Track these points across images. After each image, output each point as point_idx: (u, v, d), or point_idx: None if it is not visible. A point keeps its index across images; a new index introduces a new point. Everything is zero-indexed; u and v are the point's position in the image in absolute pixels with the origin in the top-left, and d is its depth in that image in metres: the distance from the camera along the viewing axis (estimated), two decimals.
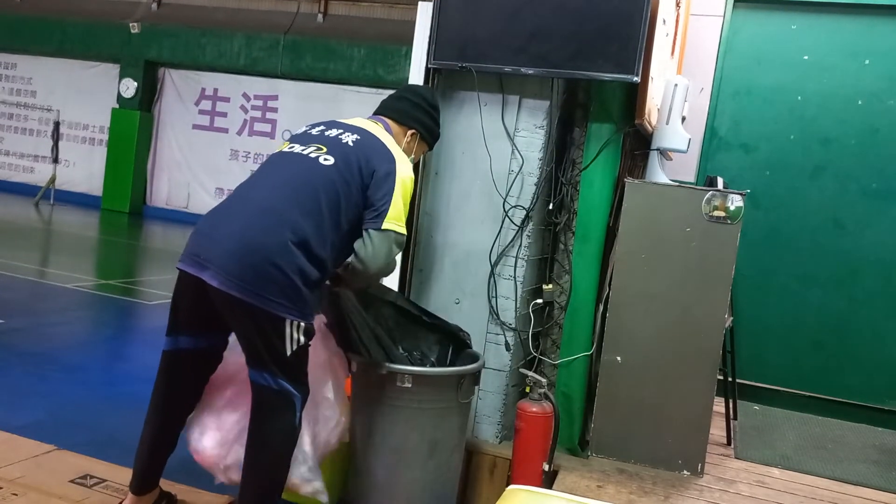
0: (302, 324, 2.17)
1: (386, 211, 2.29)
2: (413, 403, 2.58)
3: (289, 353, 2.17)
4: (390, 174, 2.33)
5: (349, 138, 2.39)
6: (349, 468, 2.77)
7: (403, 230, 2.35)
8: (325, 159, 2.30)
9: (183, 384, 2.41)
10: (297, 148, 2.38)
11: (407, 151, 2.59)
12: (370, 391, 2.61)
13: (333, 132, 2.43)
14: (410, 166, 2.45)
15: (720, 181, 3.42)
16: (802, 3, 4.46)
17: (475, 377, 2.73)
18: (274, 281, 2.10)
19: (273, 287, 2.10)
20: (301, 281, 2.14)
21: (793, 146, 4.50)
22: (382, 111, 2.68)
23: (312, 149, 2.35)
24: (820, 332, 4.47)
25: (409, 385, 2.53)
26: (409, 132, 2.64)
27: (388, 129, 2.58)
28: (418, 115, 2.67)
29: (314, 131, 2.47)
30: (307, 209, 2.19)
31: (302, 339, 2.19)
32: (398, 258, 2.72)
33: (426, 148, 2.77)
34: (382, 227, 2.28)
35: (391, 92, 2.80)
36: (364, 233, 2.30)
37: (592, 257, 3.18)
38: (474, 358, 2.80)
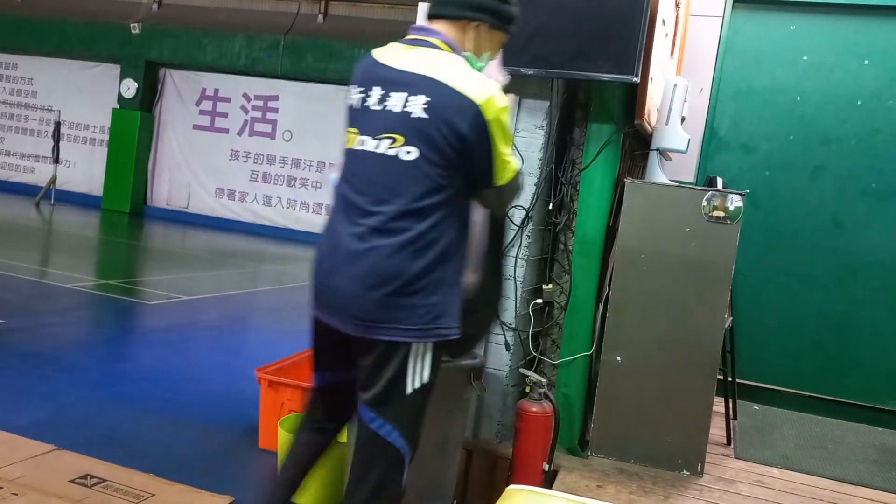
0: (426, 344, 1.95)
1: (490, 171, 1.96)
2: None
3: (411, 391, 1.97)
4: (482, 132, 1.91)
5: (418, 107, 1.91)
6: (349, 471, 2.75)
7: (512, 170, 1.99)
8: (407, 152, 1.92)
9: (342, 410, 2.26)
10: (369, 143, 1.97)
11: (476, 53, 2.08)
12: None
13: (397, 100, 1.94)
14: (494, 89, 1.93)
15: (720, 181, 3.42)
16: (802, 4, 4.46)
17: (481, 372, 2.73)
18: (398, 308, 1.92)
19: (397, 315, 1.92)
20: (425, 297, 1.93)
21: (792, 146, 4.51)
22: (432, 11, 2.09)
23: (387, 142, 1.94)
24: (820, 332, 4.47)
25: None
26: (472, 26, 2.05)
27: (446, 41, 2.01)
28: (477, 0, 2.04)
29: (374, 104, 1.99)
30: (408, 222, 1.92)
31: (428, 371, 1.97)
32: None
33: (500, 36, 2.13)
34: (494, 185, 2.00)
35: None
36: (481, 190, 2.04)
37: (592, 257, 3.18)
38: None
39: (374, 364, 1.95)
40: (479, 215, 2.20)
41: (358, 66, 2.10)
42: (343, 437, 2.86)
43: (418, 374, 1.96)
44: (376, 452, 1.99)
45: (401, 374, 1.94)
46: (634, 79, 2.88)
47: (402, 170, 1.92)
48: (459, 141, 1.90)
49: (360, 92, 2.03)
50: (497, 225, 2.26)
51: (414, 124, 1.91)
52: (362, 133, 2.00)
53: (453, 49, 2.01)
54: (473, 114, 1.89)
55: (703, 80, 4.50)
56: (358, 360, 2.00)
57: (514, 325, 3.12)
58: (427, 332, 1.93)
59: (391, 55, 2.03)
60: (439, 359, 2.01)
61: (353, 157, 2.03)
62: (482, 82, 1.93)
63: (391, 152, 1.93)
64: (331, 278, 1.99)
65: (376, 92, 1.99)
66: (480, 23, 2.05)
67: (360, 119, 2.02)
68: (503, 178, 1.98)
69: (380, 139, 1.95)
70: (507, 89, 2.23)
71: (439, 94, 1.91)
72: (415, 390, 1.96)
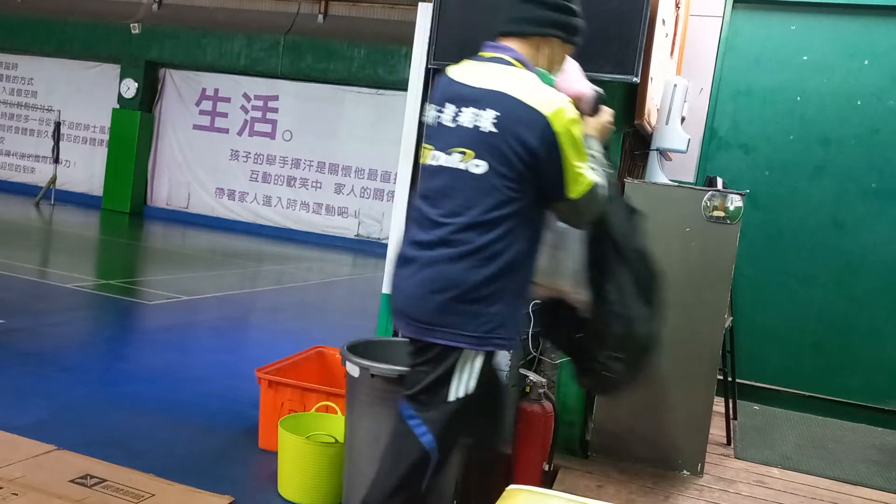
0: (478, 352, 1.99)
1: (561, 184, 1.96)
2: None
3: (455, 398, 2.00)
4: (550, 144, 1.92)
5: (488, 121, 1.95)
6: (348, 476, 2.75)
7: (587, 184, 1.97)
8: (476, 166, 1.97)
9: None
10: (442, 158, 2.04)
11: (549, 68, 2.12)
12: (377, 395, 2.58)
13: (468, 116, 1.99)
14: (564, 102, 1.95)
15: (720, 181, 3.42)
16: (802, 4, 4.46)
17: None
18: (457, 314, 1.97)
19: (455, 320, 1.97)
20: (490, 305, 1.97)
21: (792, 146, 4.51)
22: (504, 29, 2.10)
23: (458, 157, 2.00)
24: (820, 332, 4.47)
25: None
26: (544, 42, 2.08)
27: (518, 57, 2.04)
28: (550, 16, 2.06)
29: (448, 120, 2.05)
30: (475, 234, 1.96)
31: (474, 380, 1.99)
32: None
33: (570, 48, 2.16)
34: (567, 199, 1.99)
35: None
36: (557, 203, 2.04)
37: None
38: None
39: (423, 364, 2.02)
40: (579, 234, 2.19)
41: (435, 85, 2.18)
42: (342, 436, 2.87)
43: (464, 382, 1.99)
44: (406, 449, 2.04)
45: (446, 379, 1.98)
46: (634, 79, 2.88)
47: (473, 183, 1.97)
48: (529, 154, 1.93)
49: (436, 110, 2.11)
50: (638, 252, 2.26)
51: (484, 138, 1.96)
52: (436, 149, 2.07)
53: (525, 65, 2.04)
54: (542, 126, 1.91)
55: (703, 80, 4.50)
56: (412, 361, 2.08)
57: None
58: (482, 340, 1.97)
59: (464, 72, 2.08)
60: (488, 370, 2.04)
61: (426, 172, 2.12)
62: (551, 95, 1.96)
63: (462, 166, 1.99)
64: (399, 284, 2.09)
65: (450, 109, 2.05)
66: (553, 38, 2.08)
67: (435, 135, 2.10)
68: (576, 190, 1.97)
69: (451, 154, 2.02)
70: (602, 102, 2.24)
71: (508, 107, 1.95)
72: (457, 399, 1.99)
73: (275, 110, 13.53)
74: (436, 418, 2.01)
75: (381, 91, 12.42)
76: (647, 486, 2.98)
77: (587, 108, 2.17)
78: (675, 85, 3.31)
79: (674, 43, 3.80)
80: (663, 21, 3.24)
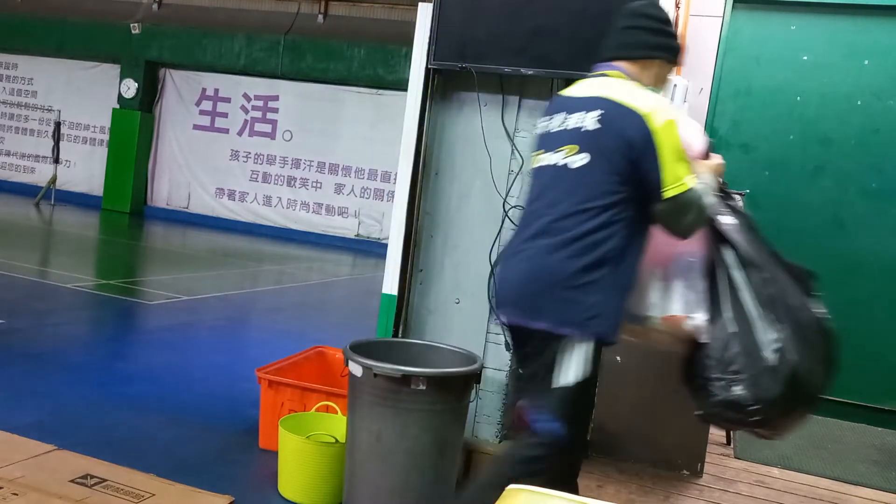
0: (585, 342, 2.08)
1: (658, 180, 2.06)
2: (427, 405, 2.57)
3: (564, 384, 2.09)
4: (646, 138, 2.06)
5: (591, 120, 2.13)
6: (348, 476, 2.74)
7: (686, 185, 2.06)
8: (580, 159, 2.12)
9: None
10: (547, 158, 2.22)
11: (655, 85, 2.31)
12: (380, 396, 2.58)
13: (574, 120, 2.18)
14: (663, 106, 2.13)
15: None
16: (802, 4, 4.46)
17: (478, 377, 2.73)
18: (557, 301, 2.08)
19: (555, 306, 2.08)
20: (590, 294, 2.06)
21: (792, 146, 4.51)
22: (612, 53, 2.31)
23: (562, 153, 2.17)
24: None
25: (423, 387, 2.52)
26: (652, 63, 2.28)
27: (625, 73, 2.25)
28: (658, 40, 2.29)
29: (556, 127, 2.24)
30: (573, 222, 2.09)
31: (583, 365, 2.08)
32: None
33: (672, 67, 2.37)
34: (664, 198, 2.07)
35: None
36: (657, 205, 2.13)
37: None
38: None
39: (530, 350, 2.17)
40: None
41: (547, 105, 2.39)
42: (342, 436, 2.87)
43: (569, 369, 2.08)
44: (521, 433, 2.18)
45: (550, 365, 2.08)
46: None
47: (575, 175, 2.13)
48: (628, 146, 2.07)
49: (546, 121, 2.32)
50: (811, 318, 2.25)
51: (588, 135, 2.13)
52: (545, 152, 2.26)
53: (630, 78, 2.24)
54: (640, 123, 2.07)
55: (703, 80, 4.50)
56: (519, 348, 2.25)
57: None
58: (582, 328, 2.07)
59: (573, 89, 2.32)
60: (594, 359, 2.11)
61: (535, 173, 2.31)
62: (650, 98, 2.13)
63: (565, 161, 2.16)
64: (504, 275, 2.25)
65: (558, 118, 2.25)
66: (657, 59, 2.29)
67: (542, 142, 2.30)
68: (672, 190, 2.05)
69: (557, 152, 2.19)
70: (711, 149, 2.36)
71: (611, 108, 2.12)
72: (563, 386, 2.07)
73: (275, 110, 13.53)
74: (545, 403, 2.10)
75: (381, 91, 12.42)
76: (647, 486, 2.98)
77: (700, 155, 2.29)
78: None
79: None
80: None
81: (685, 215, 2.10)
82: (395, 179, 5.27)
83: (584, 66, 2.93)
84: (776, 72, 4.53)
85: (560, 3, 2.91)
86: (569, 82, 3.12)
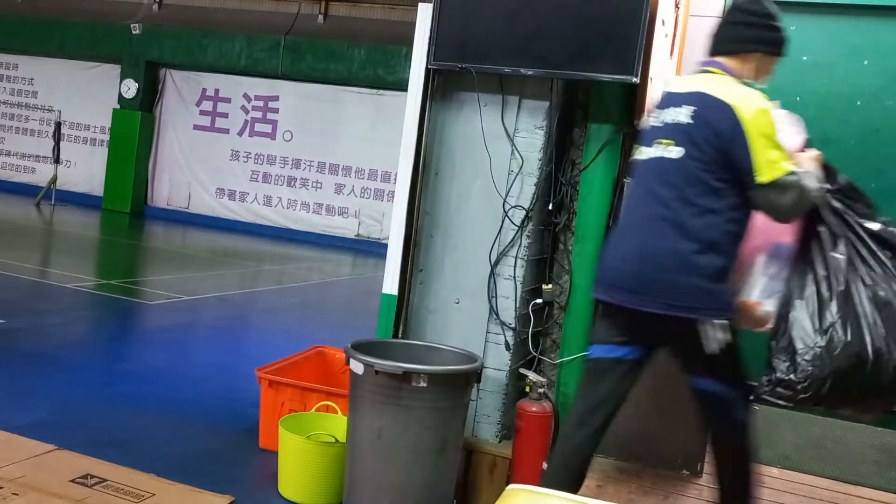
0: (717, 322, 2.19)
1: (749, 166, 2.18)
2: (428, 403, 2.58)
3: (712, 353, 2.20)
4: (734, 127, 2.19)
5: (685, 115, 2.28)
6: (349, 474, 2.75)
7: (780, 170, 2.18)
8: (675, 151, 2.27)
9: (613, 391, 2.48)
10: (645, 153, 2.39)
11: (756, 78, 2.45)
12: (381, 393, 2.59)
13: (671, 115, 2.34)
14: (754, 96, 2.28)
15: None
16: (802, 4, 4.46)
17: (478, 375, 2.74)
18: (677, 287, 2.19)
19: (678, 293, 2.19)
20: (703, 278, 2.19)
21: None
22: (715, 50, 2.46)
23: (660, 147, 2.32)
24: None
25: (425, 385, 2.53)
26: (751, 56, 2.44)
27: (724, 69, 2.39)
28: (753, 34, 2.44)
29: (654, 122, 2.41)
30: (677, 210, 2.23)
31: (723, 336, 2.19)
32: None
33: (774, 59, 2.54)
34: (759, 184, 2.18)
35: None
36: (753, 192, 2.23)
37: (592, 257, 3.17)
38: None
39: (670, 335, 2.30)
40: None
41: (658, 100, 2.51)
42: (342, 436, 2.87)
43: (713, 337, 2.18)
44: (709, 407, 2.34)
45: (694, 339, 2.19)
46: (634, 79, 2.88)
47: (671, 167, 2.26)
48: (717, 137, 2.20)
49: (652, 117, 2.46)
50: None
51: (682, 129, 2.27)
52: (644, 146, 2.40)
53: (729, 74, 2.37)
54: (728, 113, 2.21)
55: None
56: (650, 335, 2.34)
57: (513, 325, 3.13)
58: (708, 313, 2.18)
59: (677, 83, 2.48)
60: (723, 326, 2.20)
61: (636, 166, 2.45)
62: (741, 90, 2.28)
63: (661, 153, 2.30)
64: (618, 263, 2.33)
65: (660, 113, 2.40)
66: (757, 52, 2.43)
67: (646, 136, 2.44)
68: (767, 175, 2.16)
69: (655, 146, 2.34)
70: (808, 145, 2.54)
71: (704, 102, 2.27)
72: (712, 352, 2.19)
73: (275, 110, 13.53)
74: (709, 369, 2.25)
75: (381, 91, 12.42)
76: (647, 486, 2.98)
77: (798, 149, 2.43)
78: None
79: (673, 43, 3.80)
80: (663, 21, 3.24)
81: (783, 198, 2.18)
82: (395, 179, 5.27)
83: (583, 66, 2.94)
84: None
85: (560, 4, 2.92)
86: (568, 82, 3.16)
